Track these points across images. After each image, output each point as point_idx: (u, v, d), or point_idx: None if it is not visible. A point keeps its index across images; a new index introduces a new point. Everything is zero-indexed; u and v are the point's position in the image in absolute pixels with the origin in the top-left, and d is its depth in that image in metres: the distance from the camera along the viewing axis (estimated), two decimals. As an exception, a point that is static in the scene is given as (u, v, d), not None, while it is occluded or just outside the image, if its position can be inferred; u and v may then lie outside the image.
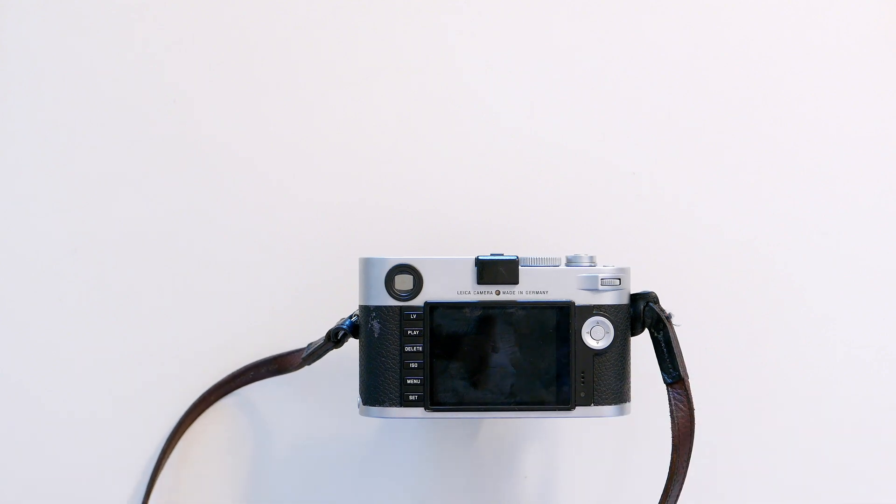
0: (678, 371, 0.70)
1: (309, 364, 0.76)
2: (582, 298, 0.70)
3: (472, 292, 0.70)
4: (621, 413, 0.71)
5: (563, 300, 0.70)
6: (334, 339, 0.72)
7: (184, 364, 0.82)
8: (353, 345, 0.72)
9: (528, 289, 0.70)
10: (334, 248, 0.82)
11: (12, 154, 0.83)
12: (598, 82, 0.84)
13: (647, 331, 0.71)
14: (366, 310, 0.70)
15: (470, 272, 0.70)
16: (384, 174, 0.83)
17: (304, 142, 0.83)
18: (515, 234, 0.83)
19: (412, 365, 0.70)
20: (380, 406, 0.70)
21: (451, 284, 0.70)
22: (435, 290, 0.70)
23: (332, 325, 0.73)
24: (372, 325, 0.70)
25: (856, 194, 0.84)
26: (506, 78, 0.84)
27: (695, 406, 0.70)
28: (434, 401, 0.70)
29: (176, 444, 0.81)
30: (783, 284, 0.83)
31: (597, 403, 0.70)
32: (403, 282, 0.70)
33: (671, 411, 0.70)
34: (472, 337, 0.70)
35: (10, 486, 0.82)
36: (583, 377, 0.70)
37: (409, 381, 0.70)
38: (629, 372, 0.71)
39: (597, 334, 0.70)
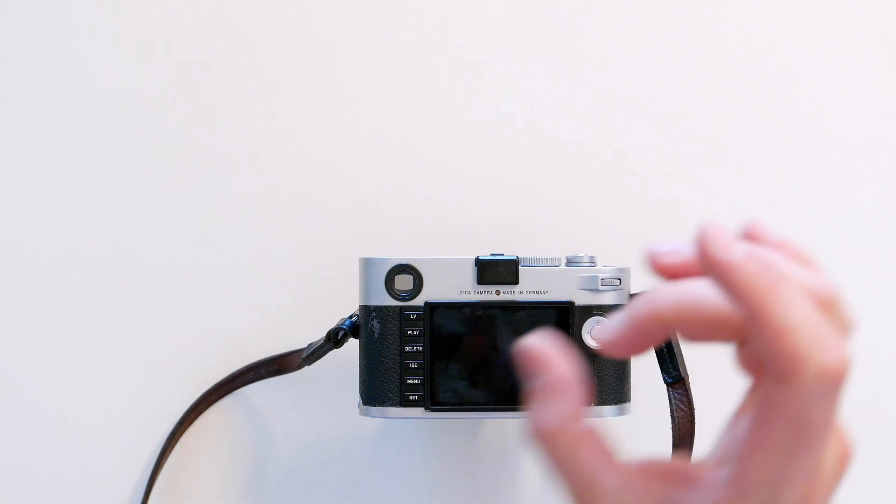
0: (678, 371, 0.70)
1: (309, 364, 0.76)
2: (582, 298, 0.70)
3: (472, 292, 0.70)
4: (621, 413, 0.71)
5: (563, 300, 0.70)
6: (334, 339, 0.72)
7: (184, 364, 0.82)
8: (353, 345, 0.72)
9: (528, 289, 0.70)
10: (334, 248, 0.82)
11: (12, 154, 0.83)
12: (598, 82, 0.84)
13: (646, 331, 0.71)
14: (366, 310, 0.70)
15: (470, 272, 0.70)
16: (384, 174, 0.83)
17: (304, 142, 0.83)
18: (515, 234, 0.83)
19: (412, 365, 0.70)
20: (380, 406, 0.70)
21: (451, 284, 0.70)
22: (435, 290, 0.70)
23: (332, 325, 0.73)
24: (372, 325, 0.70)
25: (856, 194, 0.84)
26: (506, 77, 0.84)
27: (695, 406, 0.70)
28: (434, 401, 0.70)
29: (176, 443, 0.81)
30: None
31: (597, 403, 0.70)
32: (403, 282, 0.70)
33: (671, 411, 0.70)
34: (472, 337, 0.70)
35: (11, 486, 0.82)
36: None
37: (409, 381, 0.70)
38: (629, 372, 0.71)
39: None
